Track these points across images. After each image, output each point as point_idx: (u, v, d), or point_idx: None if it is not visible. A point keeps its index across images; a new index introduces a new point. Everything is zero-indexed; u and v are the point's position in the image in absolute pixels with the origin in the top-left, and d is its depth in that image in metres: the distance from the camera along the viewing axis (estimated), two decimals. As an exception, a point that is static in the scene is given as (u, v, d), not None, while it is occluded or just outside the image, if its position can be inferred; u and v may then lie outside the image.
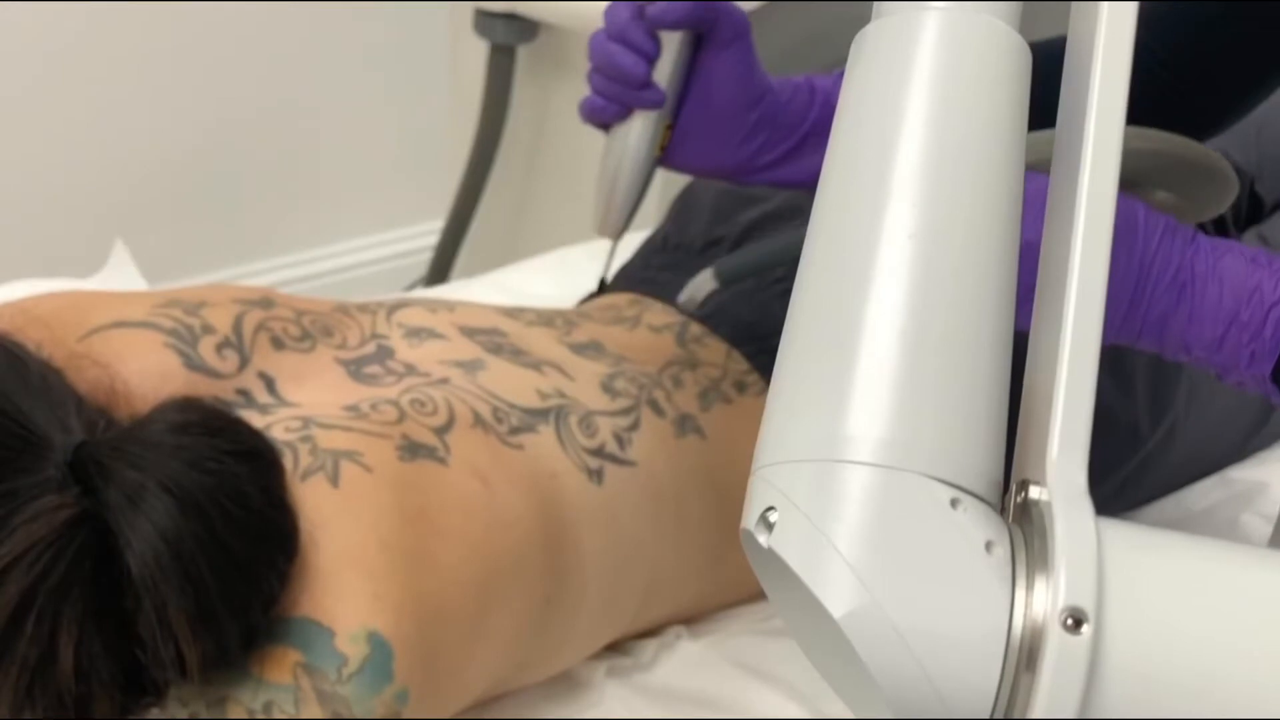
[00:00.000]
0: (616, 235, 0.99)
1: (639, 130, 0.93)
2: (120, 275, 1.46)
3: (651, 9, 0.89)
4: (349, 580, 0.79)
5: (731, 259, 1.00)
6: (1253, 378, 0.72)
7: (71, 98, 1.90)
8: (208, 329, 0.91)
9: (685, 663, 1.03)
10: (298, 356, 0.93)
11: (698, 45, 0.91)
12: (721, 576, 1.05)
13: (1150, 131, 0.80)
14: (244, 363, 0.91)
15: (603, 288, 1.05)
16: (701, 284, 0.99)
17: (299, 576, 0.79)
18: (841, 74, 0.58)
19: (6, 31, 1.80)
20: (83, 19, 1.85)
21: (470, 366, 0.97)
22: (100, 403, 0.81)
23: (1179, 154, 0.81)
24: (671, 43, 0.91)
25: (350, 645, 0.78)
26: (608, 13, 0.92)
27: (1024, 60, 0.55)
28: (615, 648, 1.02)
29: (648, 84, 0.91)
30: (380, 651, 0.78)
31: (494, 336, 1.02)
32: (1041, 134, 0.57)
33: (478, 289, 1.51)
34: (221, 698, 0.77)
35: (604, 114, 0.93)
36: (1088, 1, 0.54)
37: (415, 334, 0.99)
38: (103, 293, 0.96)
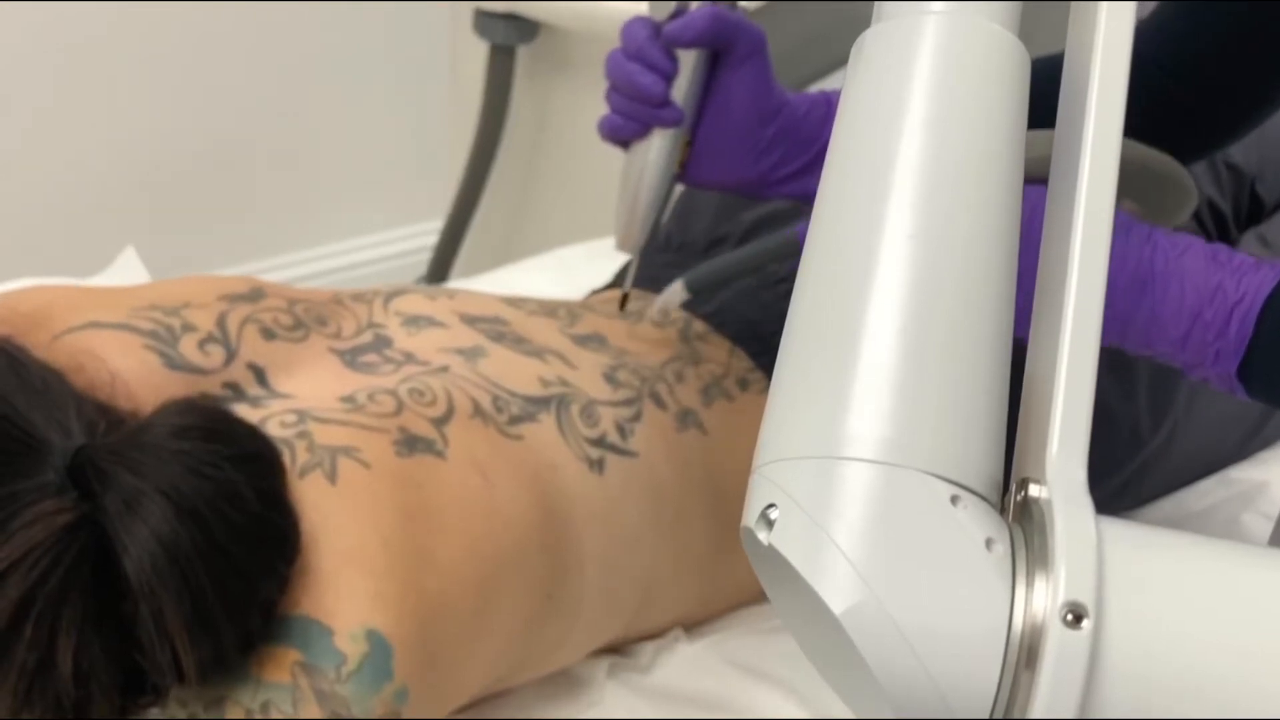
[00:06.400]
0: (638, 250, 1.00)
1: (658, 148, 0.94)
2: (125, 278, 1.45)
3: (669, 28, 0.91)
4: (348, 578, 0.79)
5: (702, 269, 1.01)
6: (1218, 375, 0.72)
7: (73, 98, 1.90)
8: (189, 327, 0.90)
9: (684, 663, 1.03)
10: (290, 346, 0.93)
11: (714, 62, 0.92)
12: (720, 577, 1.04)
13: None
14: (230, 356, 0.90)
15: (624, 304, 1.05)
16: (673, 295, 1.01)
17: (298, 575, 0.79)
18: None
19: (11, 32, 1.80)
20: (85, 21, 1.85)
21: (471, 354, 0.96)
22: (99, 401, 0.81)
23: (1140, 161, 0.81)
24: (688, 60, 0.92)
25: (349, 644, 0.78)
26: (624, 31, 0.93)
27: (1023, 64, 0.55)
28: (615, 649, 1.02)
29: (666, 102, 0.92)
30: (380, 650, 0.78)
31: (495, 324, 1.01)
32: (1040, 133, 0.57)
33: (476, 288, 1.50)
34: (220, 697, 0.77)
35: (623, 132, 0.95)
36: (1087, 2, 0.54)
37: (414, 321, 0.99)
38: (82, 290, 0.94)
